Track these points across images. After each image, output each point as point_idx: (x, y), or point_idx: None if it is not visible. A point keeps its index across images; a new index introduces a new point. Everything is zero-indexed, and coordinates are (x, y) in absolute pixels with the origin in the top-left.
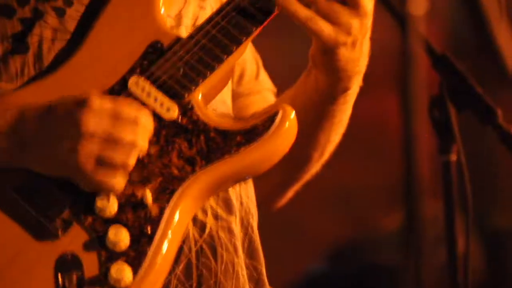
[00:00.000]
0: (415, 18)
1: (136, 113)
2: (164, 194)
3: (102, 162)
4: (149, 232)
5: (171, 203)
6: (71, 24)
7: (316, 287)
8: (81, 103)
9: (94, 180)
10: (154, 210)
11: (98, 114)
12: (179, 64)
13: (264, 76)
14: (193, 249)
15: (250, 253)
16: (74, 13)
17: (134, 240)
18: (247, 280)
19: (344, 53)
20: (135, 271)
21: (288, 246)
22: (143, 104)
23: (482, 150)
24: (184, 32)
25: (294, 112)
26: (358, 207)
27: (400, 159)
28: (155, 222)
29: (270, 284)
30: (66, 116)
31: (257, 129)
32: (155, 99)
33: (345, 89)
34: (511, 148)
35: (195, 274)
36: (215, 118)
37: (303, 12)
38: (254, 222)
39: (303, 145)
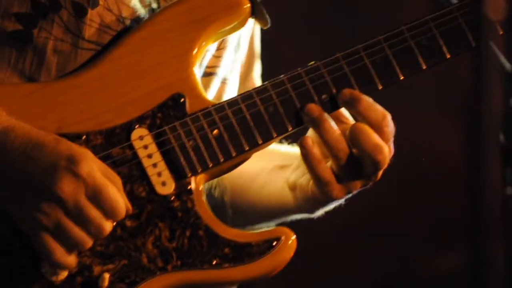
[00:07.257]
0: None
1: (117, 199)
2: (123, 283)
3: (58, 232)
4: None
5: None
6: (88, 30)
7: None
8: (71, 161)
9: (41, 246)
10: None
11: (80, 183)
12: (195, 136)
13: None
14: None
15: None
16: (95, 18)
17: None
18: None
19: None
20: None
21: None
22: (139, 164)
23: None
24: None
25: (295, 239)
26: (410, 242)
27: (465, 192)
28: None
29: None
30: (50, 168)
31: (250, 248)
32: (154, 165)
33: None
34: None
35: None
36: (210, 214)
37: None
38: None
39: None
